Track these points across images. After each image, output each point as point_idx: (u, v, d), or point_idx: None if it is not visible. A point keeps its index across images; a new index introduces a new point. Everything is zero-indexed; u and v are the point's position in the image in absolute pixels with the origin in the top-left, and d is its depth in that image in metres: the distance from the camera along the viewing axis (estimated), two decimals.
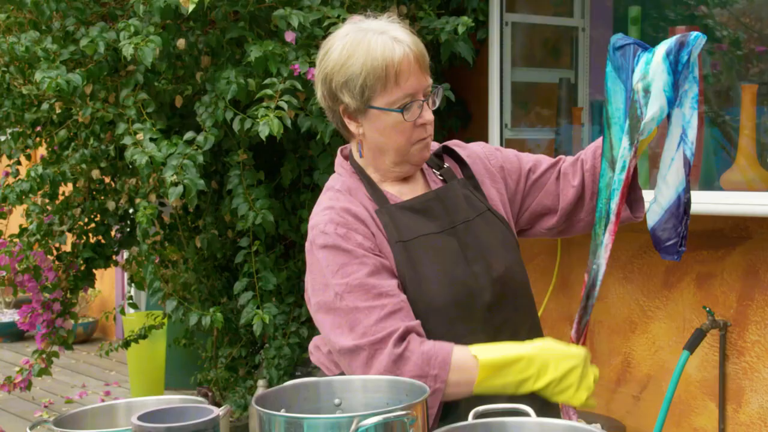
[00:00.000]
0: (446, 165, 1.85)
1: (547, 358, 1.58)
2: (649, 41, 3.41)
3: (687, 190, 1.58)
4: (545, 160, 1.90)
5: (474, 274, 1.71)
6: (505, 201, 1.85)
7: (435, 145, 1.88)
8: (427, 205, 1.75)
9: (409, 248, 1.69)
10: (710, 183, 2.91)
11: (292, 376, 3.42)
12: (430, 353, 1.59)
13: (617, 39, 1.57)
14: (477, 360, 1.58)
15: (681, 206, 1.59)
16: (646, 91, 1.48)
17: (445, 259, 1.71)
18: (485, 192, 1.83)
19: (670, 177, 1.57)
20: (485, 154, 1.89)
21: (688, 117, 1.53)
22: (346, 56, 1.68)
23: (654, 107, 1.49)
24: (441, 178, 1.82)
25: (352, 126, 1.74)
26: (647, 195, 1.78)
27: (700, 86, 1.55)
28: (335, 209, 1.70)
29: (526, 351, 1.59)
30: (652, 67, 1.48)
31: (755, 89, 2.79)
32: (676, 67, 1.48)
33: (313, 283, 1.71)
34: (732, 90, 3.19)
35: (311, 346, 1.86)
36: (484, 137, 3.43)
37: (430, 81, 1.74)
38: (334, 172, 1.85)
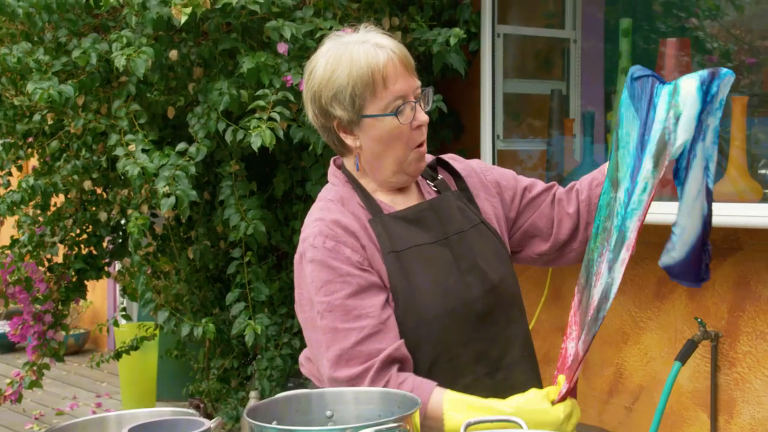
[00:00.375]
0: (440, 177, 1.86)
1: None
2: (639, 53, 3.43)
3: (709, 220, 1.62)
4: (540, 183, 1.92)
5: (467, 284, 1.71)
6: (499, 216, 1.86)
7: (429, 157, 1.88)
8: (420, 215, 1.75)
9: (402, 259, 1.69)
10: None
11: (285, 388, 3.42)
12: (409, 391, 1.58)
13: (636, 70, 1.60)
14: (443, 420, 1.56)
15: (706, 235, 1.63)
16: (677, 118, 1.52)
17: (438, 270, 1.70)
18: (479, 205, 1.84)
19: (697, 208, 1.60)
20: (481, 169, 1.90)
21: (711, 151, 1.57)
22: (330, 70, 1.68)
23: (685, 133, 1.53)
24: (435, 189, 1.83)
25: (348, 140, 1.74)
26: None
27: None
28: (325, 221, 1.70)
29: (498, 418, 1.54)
30: (683, 96, 1.52)
31: (746, 101, 2.81)
32: (705, 96, 1.52)
33: (300, 298, 1.72)
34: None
35: (302, 358, 1.85)
36: (476, 148, 3.43)
37: (419, 83, 1.73)
38: (326, 182, 1.85)
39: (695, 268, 1.65)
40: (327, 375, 1.64)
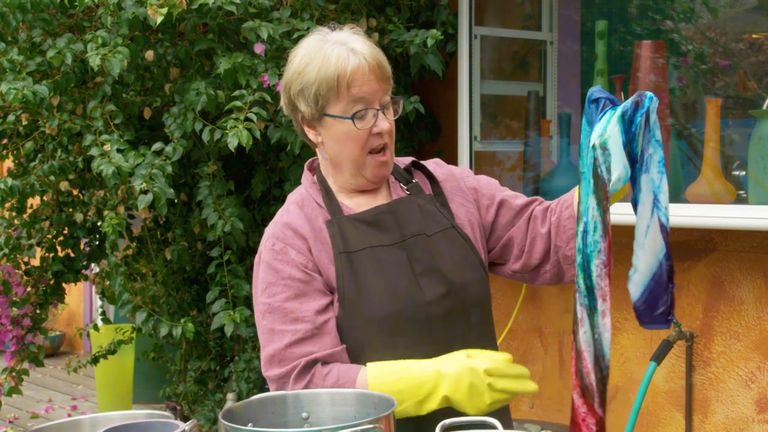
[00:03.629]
0: (415, 180, 1.85)
1: (437, 384, 1.58)
2: (615, 55, 3.45)
3: (668, 256, 1.54)
4: (522, 198, 1.89)
5: (420, 287, 1.71)
6: (473, 221, 1.84)
7: (406, 160, 1.89)
8: (378, 217, 1.76)
9: (354, 260, 1.70)
10: (677, 195, 2.94)
11: (262, 390, 3.40)
12: (334, 387, 1.62)
13: (593, 91, 1.54)
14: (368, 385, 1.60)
15: (664, 273, 1.55)
16: (604, 148, 1.46)
17: (390, 272, 1.71)
18: (453, 210, 1.83)
19: (649, 245, 1.53)
20: (461, 175, 1.90)
21: (658, 182, 1.50)
22: (303, 65, 1.72)
23: (618, 168, 1.46)
24: (408, 193, 1.82)
25: (311, 134, 1.78)
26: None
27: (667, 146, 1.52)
28: (279, 223, 1.75)
29: (420, 377, 1.58)
30: (610, 125, 1.47)
31: (719, 103, 2.83)
32: (629, 127, 1.47)
33: (254, 296, 1.77)
34: (697, 103, 3.23)
35: None
36: (453, 150, 3.44)
37: (390, 91, 1.74)
38: None
39: (660, 311, 1.57)
40: (264, 373, 1.69)
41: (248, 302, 3.37)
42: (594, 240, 1.48)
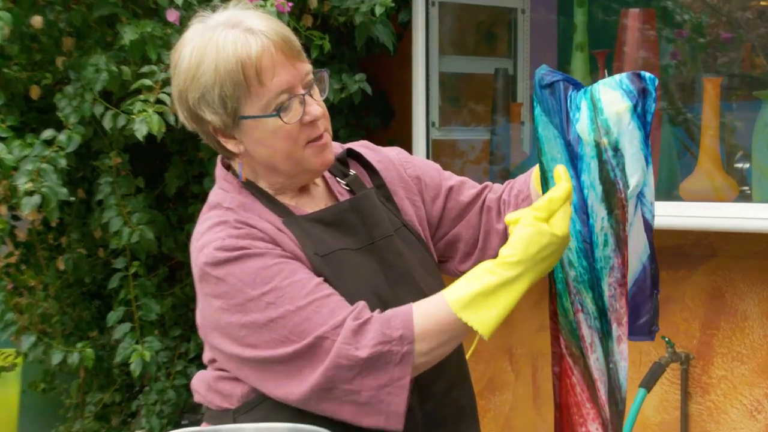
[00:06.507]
0: (352, 172, 1.83)
1: (529, 265, 1.52)
2: (597, 25, 3.45)
3: (653, 258, 1.58)
4: (469, 184, 1.89)
5: (398, 297, 1.68)
6: (421, 217, 1.85)
7: (338, 147, 1.86)
8: (340, 217, 1.73)
9: (330, 263, 1.66)
10: (670, 191, 2.95)
11: (177, 426, 3.38)
12: (388, 314, 1.57)
13: (543, 75, 1.55)
14: (445, 299, 1.55)
15: (648, 278, 1.59)
16: (615, 149, 1.49)
17: (367, 280, 1.68)
18: (398, 204, 1.83)
19: (631, 245, 1.56)
20: (400, 161, 1.89)
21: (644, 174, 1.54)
22: (195, 65, 1.63)
23: (638, 172, 1.49)
24: (347, 188, 1.80)
25: (230, 145, 1.70)
26: None
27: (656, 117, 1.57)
28: (230, 223, 1.65)
29: (505, 275, 1.54)
30: (611, 119, 1.49)
31: (720, 82, 2.85)
32: (644, 119, 1.50)
33: (226, 306, 1.63)
34: (695, 83, 3.26)
35: (195, 383, 1.79)
36: (408, 137, 3.43)
37: (309, 67, 1.69)
38: None
39: (643, 321, 1.62)
40: (305, 345, 1.57)
41: (159, 327, 3.33)
42: (605, 255, 1.52)
